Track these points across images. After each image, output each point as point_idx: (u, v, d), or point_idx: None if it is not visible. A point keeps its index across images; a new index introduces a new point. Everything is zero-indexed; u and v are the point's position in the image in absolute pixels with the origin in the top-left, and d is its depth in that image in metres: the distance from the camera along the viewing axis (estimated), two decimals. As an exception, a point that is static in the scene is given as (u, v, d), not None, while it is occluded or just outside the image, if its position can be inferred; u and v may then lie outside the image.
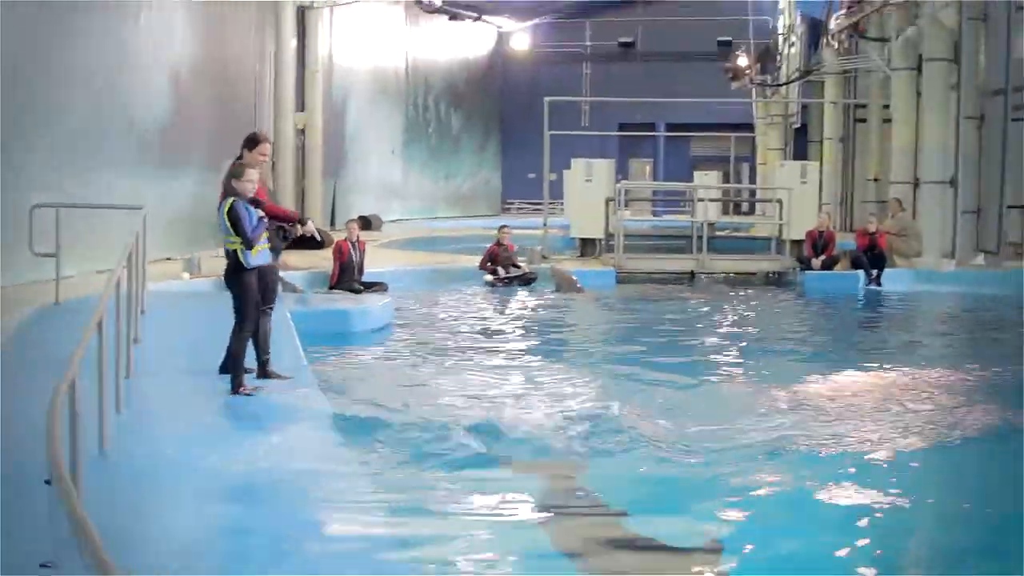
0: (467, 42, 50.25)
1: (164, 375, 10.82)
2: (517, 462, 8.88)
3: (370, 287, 19.49)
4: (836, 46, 34.83)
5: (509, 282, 22.28)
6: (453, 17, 46.82)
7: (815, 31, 37.63)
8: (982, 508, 8.27)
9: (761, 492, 8.21)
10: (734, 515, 7.70)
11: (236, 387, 9.85)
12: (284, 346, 11.69)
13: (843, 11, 32.82)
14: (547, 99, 28.48)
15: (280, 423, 9.20)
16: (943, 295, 22.05)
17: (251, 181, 9.93)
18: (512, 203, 53.65)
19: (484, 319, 18.25)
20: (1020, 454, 9.34)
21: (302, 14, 31.78)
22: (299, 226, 11.41)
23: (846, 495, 8.23)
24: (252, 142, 10.89)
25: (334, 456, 8.33)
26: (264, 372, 10.51)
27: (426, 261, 25.19)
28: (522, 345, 15.53)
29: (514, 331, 16.94)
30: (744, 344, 15.88)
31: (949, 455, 9.52)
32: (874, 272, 22.90)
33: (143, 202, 14.21)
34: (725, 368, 13.83)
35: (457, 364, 13.55)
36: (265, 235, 10.05)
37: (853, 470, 8.79)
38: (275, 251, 10.95)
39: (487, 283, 22.28)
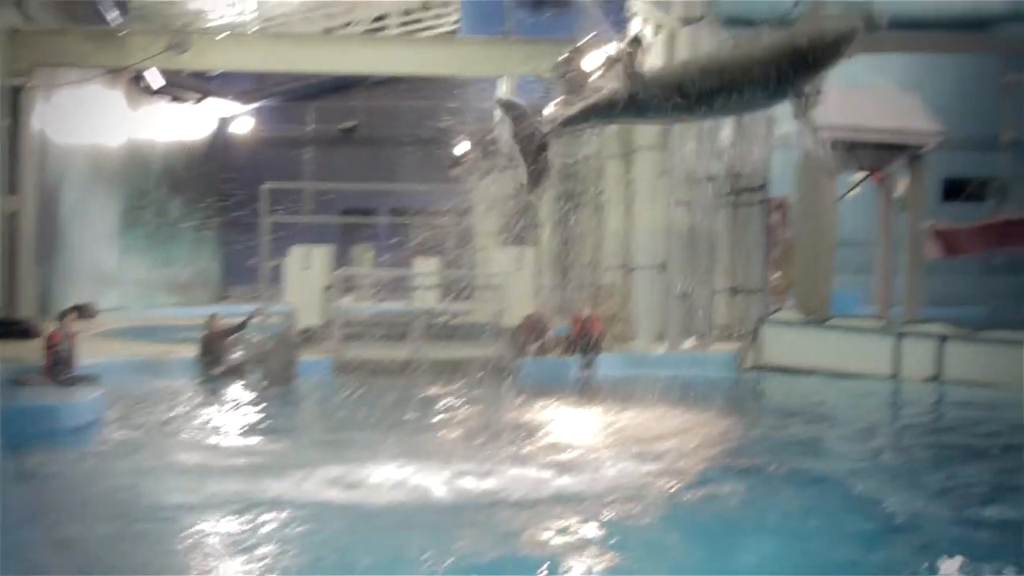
0: (188, 125, 49.73)
1: None
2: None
3: (80, 380, 18.92)
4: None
5: (226, 373, 21.95)
6: (175, 99, 46.28)
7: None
8: None
9: None
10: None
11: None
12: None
13: (556, 102, 33.55)
14: (264, 186, 28.31)
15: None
16: (653, 379, 22.60)
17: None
18: (233, 290, 52.96)
19: (192, 414, 17.87)
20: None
21: (15, 94, 30.86)
22: None
23: None
24: None
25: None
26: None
27: (141, 352, 24.57)
28: (220, 441, 15.35)
29: (218, 426, 16.67)
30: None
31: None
32: (587, 357, 23.33)
33: None
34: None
35: (158, 464, 13.30)
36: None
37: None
38: None
39: (205, 375, 21.89)
